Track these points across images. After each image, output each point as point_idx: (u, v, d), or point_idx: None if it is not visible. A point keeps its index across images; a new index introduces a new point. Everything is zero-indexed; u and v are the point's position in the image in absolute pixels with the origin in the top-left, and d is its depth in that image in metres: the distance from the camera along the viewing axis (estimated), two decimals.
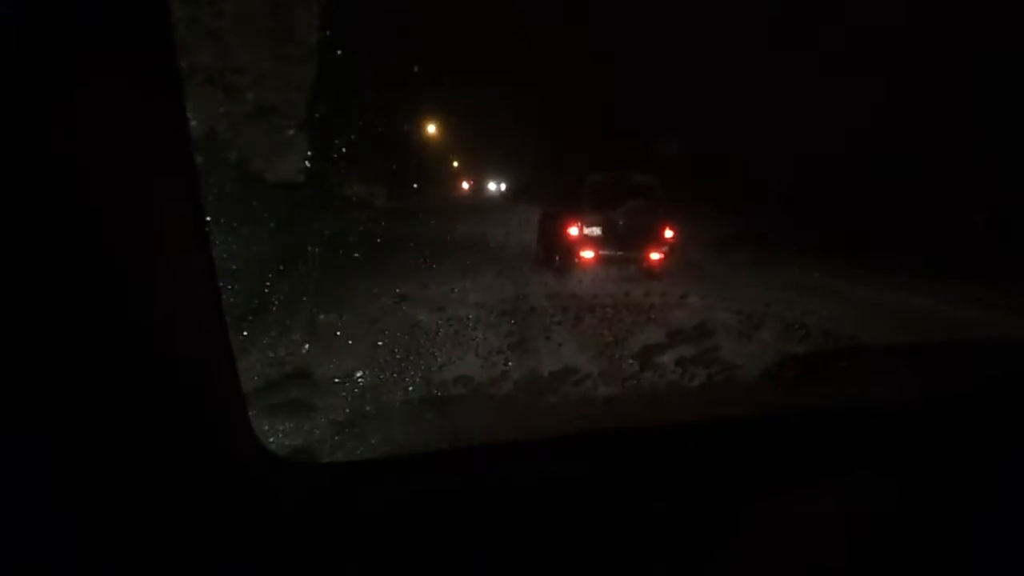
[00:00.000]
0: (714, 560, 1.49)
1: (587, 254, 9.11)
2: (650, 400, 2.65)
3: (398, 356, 3.24)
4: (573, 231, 9.28)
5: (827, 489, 1.66)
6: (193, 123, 1.13)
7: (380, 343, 3.42)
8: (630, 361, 3.17)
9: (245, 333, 1.65)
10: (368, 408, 2.56)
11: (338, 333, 3.58)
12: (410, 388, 2.86)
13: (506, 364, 3.27)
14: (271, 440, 1.42)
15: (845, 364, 2.77)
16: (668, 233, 9.32)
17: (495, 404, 2.47)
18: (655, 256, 9.18)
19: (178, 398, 1.10)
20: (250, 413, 1.34)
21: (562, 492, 1.72)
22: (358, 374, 2.87)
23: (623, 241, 9.25)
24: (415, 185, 14.17)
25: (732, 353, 3.04)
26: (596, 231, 9.34)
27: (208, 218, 1.15)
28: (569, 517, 1.64)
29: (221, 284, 1.20)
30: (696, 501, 1.67)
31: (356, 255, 5.64)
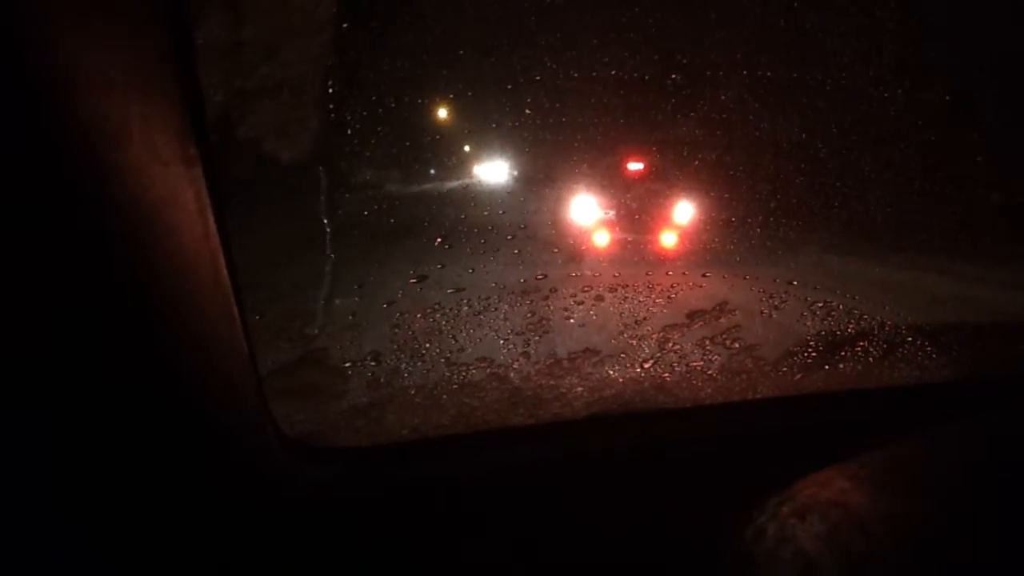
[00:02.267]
0: (732, 542, 1.48)
1: (603, 236, 9.12)
2: (668, 382, 2.63)
3: (414, 338, 3.23)
4: (589, 213, 9.27)
5: (845, 473, 1.65)
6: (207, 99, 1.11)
7: (396, 327, 3.41)
8: (649, 342, 3.14)
9: (258, 316, 1.63)
10: (383, 391, 2.55)
11: (352, 316, 3.58)
12: (426, 371, 2.85)
13: (526, 346, 3.26)
14: (286, 423, 1.42)
15: (867, 344, 2.74)
16: (683, 215, 9.27)
17: (511, 387, 2.46)
18: (670, 239, 9.11)
19: (195, 381, 1.09)
20: (266, 398, 1.33)
21: (578, 475, 1.71)
22: (373, 358, 2.86)
23: (637, 224, 9.23)
24: (432, 170, 14.18)
25: (751, 334, 2.99)
26: (611, 213, 9.33)
27: (222, 203, 1.14)
28: (586, 499, 1.63)
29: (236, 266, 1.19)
30: (715, 485, 1.66)
31: (371, 237, 5.64)
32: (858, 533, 1.44)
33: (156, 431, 1.04)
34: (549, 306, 3.87)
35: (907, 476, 1.60)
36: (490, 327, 3.54)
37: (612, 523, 1.61)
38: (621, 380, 2.59)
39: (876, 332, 2.84)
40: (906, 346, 2.71)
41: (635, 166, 10.19)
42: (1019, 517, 1.38)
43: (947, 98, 9.04)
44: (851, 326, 2.99)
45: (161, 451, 1.06)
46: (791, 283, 4.23)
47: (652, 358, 2.89)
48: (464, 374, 2.64)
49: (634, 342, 3.20)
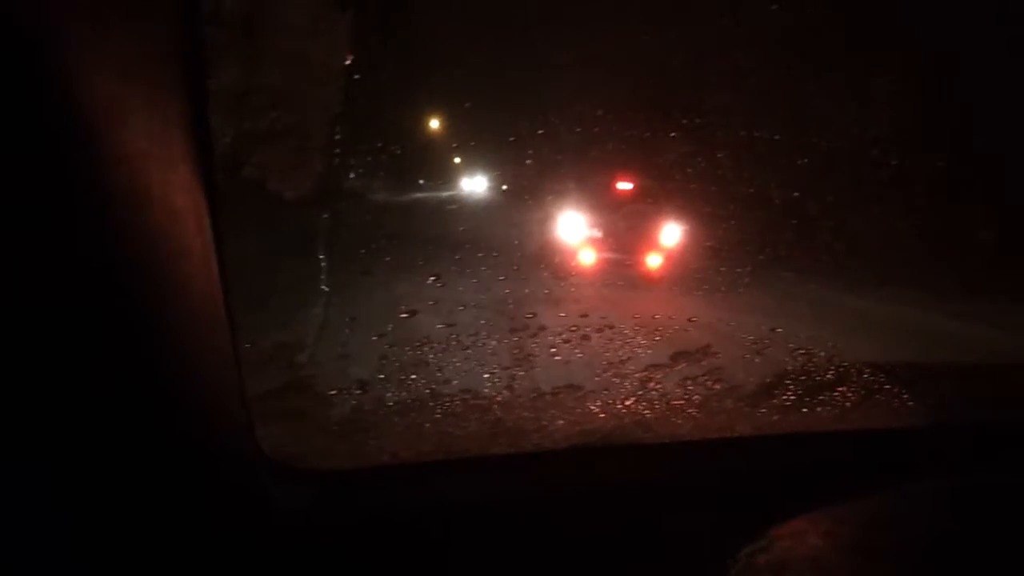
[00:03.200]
0: None
1: (588, 256, 9.20)
2: (649, 419, 2.66)
3: (401, 369, 3.27)
4: (576, 230, 9.34)
5: (824, 512, 1.68)
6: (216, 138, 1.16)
7: (384, 358, 3.45)
8: (632, 379, 3.18)
9: (248, 345, 1.67)
10: (367, 418, 2.58)
11: (341, 347, 3.62)
12: (410, 400, 2.89)
13: (511, 380, 3.30)
14: (270, 446, 1.45)
15: (845, 389, 2.78)
16: (670, 238, 9.41)
17: (493, 418, 2.49)
18: (656, 261, 9.28)
19: (182, 400, 1.12)
20: (251, 421, 1.37)
21: (555, 506, 1.74)
22: (359, 386, 2.90)
23: (624, 245, 9.27)
24: (420, 181, 14.08)
25: (733, 374, 3.04)
26: (596, 233, 9.41)
27: (223, 235, 1.18)
28: (562, 531, 1.66)
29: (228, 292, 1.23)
30: (691, 522, 1.69)
31: (360, 253, 5.75)
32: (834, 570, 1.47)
33: (139, 446, 1.06)
34: (536, 343, 3.91)
35: (881, 537, 1.63)
36: (477, 361, 3.57)
37: (587, 556, 1.63)
38: (602, 415, 2.62)
39: (854, 377, 2.88)
40: (883, 392, 2.75)
41: (624, 186, 10.25)
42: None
43: (938, 163, 9.20)
44: (830, 371, 3.03)
45: (143, 467, 1.07)
46: (775, 329, 4.29)
47: (634, 395, 2.93)
48: (447, 404, 2.67)
49: (617, 380, 3.24)
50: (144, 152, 0.99)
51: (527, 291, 5.26)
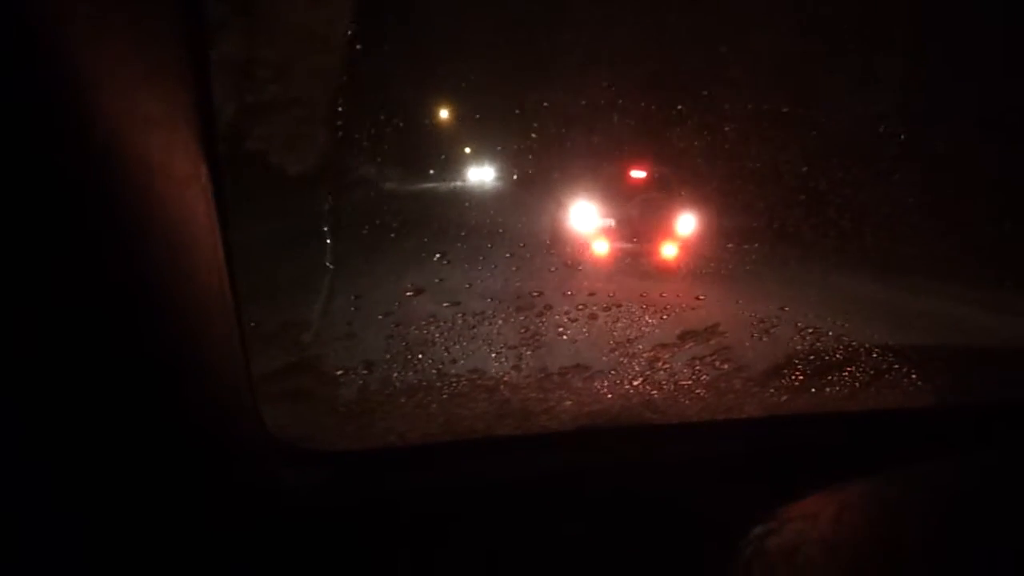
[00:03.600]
0: (716, 560, 1.50)
1: (600, 245, 8.78)
2: (656, 399, 2.66)
3: (407, 349, 3.26)
4: (587, 221, 8.97)
5: (833, 493, 1.67)
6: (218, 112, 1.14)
7: (390, 337, 3.44)
8: (640, 360, 3.17)
9: (253, 323, 1.66)
10: (374, 399, 2.58)
11: (348, 325, 3.60)
12: (418, 381, 2.88)
13: (518, 360, 3.29)
14: (276, 427, 1.44)
15: (854, 369, 2.78)
16: (685, 226, 9.01)
17: (501, 399, 2.49)
18: (670, 250, 8.83)
19: (189, 382, 1.11)
20: (257, 402, 1.36)
21: (562, 487, 1.74)
22: (365, 366, 2.89)
23: (638, 233, 8.90)
24: (431, 171, 14.01)
25: (741, 355, 3.03)
26: (610, 222, 9.03)
27: (227, 211, 1.17)
28: (570, 511, 1.65)
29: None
30: (700, 502, 1.68)
31: (366, 237, 5.70)
32: (842, 554, 1.47)
33: (145, 429, 1.05)
34: (543, 322, 3.90)
35: (890, 519, 1.62)
36: (483, 340, 3.57)
37: (595, 537, 1.63)
38: (610, 396, 2.62)
39: (863, 357, 2.88)
40: (892, 372, 2.75)
41: (637, 174, 9.85)
42: (1006, 565, 1.40)
43: (949, 138, 9.06)
44: (839, 351, 3.02)
45: (149, 450, 1.07)
46: (783, 308, 4.27)
47: (642, 375, 2.92)
48: (455, 385, 2.67)
49: (624, 360, 3.23)
50: (146, 125, 0.97)
51: (539, 281, 5.07)
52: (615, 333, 3.76)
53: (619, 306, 4.17)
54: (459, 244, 5.72)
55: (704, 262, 7.86)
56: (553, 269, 6.21)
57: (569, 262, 7.18)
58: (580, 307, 4.06)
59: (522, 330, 3.77)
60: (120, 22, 0.92)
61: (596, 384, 2.71)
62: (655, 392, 2.75)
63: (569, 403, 2.40)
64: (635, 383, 2.80)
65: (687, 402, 2.67)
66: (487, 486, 1.72)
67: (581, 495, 1.72)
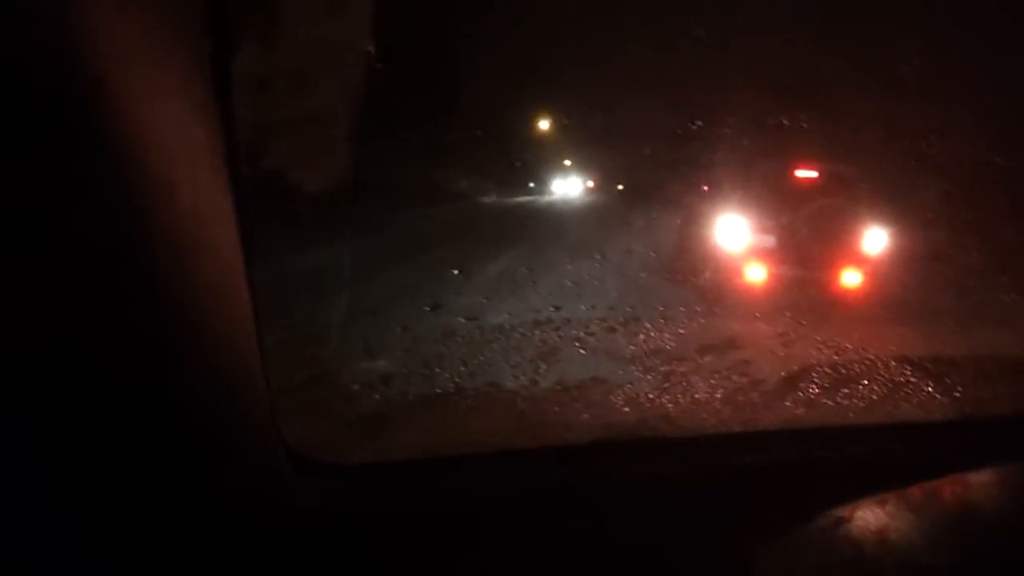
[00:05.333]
0: (733, 573, 1.50)
1: (755, 273, 6.52)
2: (672, 412, 2.65)
3: (425, 363, 3.27)
4: (734, 241, 6.76)
5: (851, 506, 1.67)
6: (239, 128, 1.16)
7: (408, 349, 3.45)
8: (656, 373, 3.17)
9: (271, 337, 1.67)
10: (391, 412, 2.59)
11: (365, 341, 3.61)
12: (435, 394, 2.89)
13: (534, 372, 3.29)
14: (294, 440, 1.46)
15: (870, 382, 2.76)
16: (874, 245, 6.62)
17: (517, 411, 2.50)
18: (853, 279, 6.37)
19: (207, 392, 1.13)
20: (276, 414, 1.37)
21: (579, 500, 1.74)
22: (383, 380, 2.90)
23: (809, 255, 6.45)
24: (530, 183, 13.65)
25: (758, 367, 3.02)
26: (769, 241, 6.72)
27: (248, 227, 1.18)
28: (586, 524, 1.65)
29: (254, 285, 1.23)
30: (717, 513, 1.68)
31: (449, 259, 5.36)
32: (857, 565, 1.47)
33: (163, 439, 1.07)
34: (560, 335, 3.88)
35: (911, 531, 1.62)
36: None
37: (611, 549, 1.63)
38: (626, 409, 2.61)
39: (881, 370, 2.86)
40: (910, 385, 2.73)
41: (806, 175, 7.35)
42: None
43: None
44: (856, 364, 3.01)
45: (167, 460, 1.08)
46: (800, 322, 4.25)
47: (658, 388, 2.92)
48: (471, 398, 2.67)
49: (641, 373, 3.23)
50: (168, 138, 0.99)
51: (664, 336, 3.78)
52: (631, 347, 3.71)
53: (637, 320, 4.05)
54: (558, 275, 5.02)
55: (916, 297, 5.73)
56: (682, 312, 4.51)
57: (708, 298, 5.34)
58: (600, 320, 3.97)
59: (540, 343, 3.75)
60: (141, 34, 0.94)
61: (612, 397, 2.71)
62: (671, 405, 2.74)
63: (586, 416, 2.41)
64: (651, 396, 2.79)
65: (704, 415, 2.67)
66: (503, 499, 1.72)
67: (598, 508, 1.72)
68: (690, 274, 6.06)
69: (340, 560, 1.46)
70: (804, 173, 7.36)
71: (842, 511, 1.64)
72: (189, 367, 1.07)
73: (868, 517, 1.66)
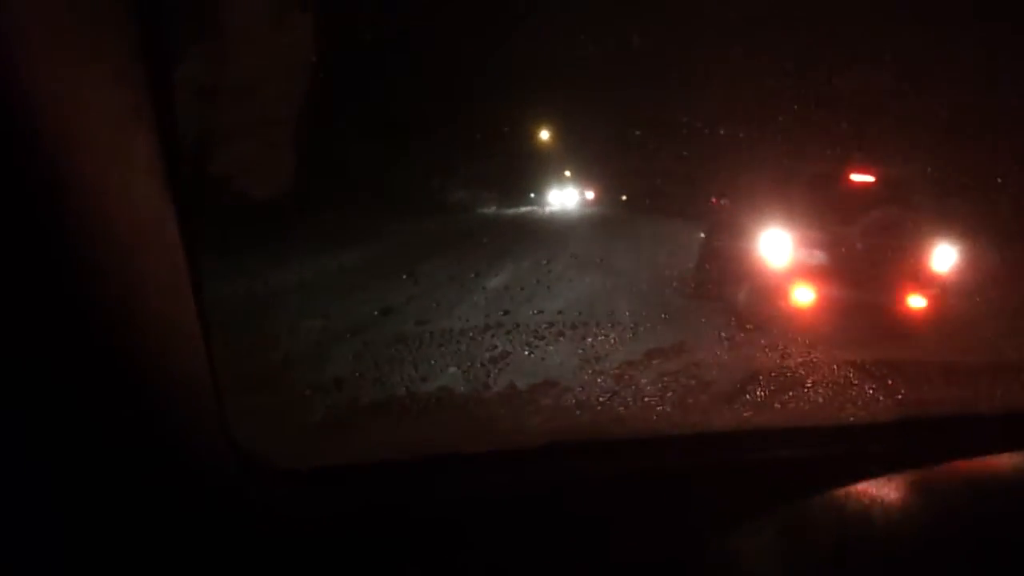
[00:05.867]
0: (685, 572, 1.52)
1: (803, 294, 5.39)
2: (624, 415, 2.68)
3: (376, 367, 3.26)
4: (778, 256, 5.68)
5: (797, 506, 1.70)
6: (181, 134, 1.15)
7: (360, 354, 3.43)
8: (606, 377, 3.20)
9: (221, 342, 1.66)
10: (344, 416, 2.58)
11: (317, 344, 3.59)
12: (386, 398, 2.88)
13: (486, 376, 3.30)
14: (244, 443, 1.44)
15: (816, 384, 2.82)
16: (943, 263, 5.56)
17: (469, 415, 2.50)
18: (919, 302, 5.34)
19: (153, 399, 1.11)
20: (227, 418, 1.36)
21: (531, 503, 1.75)
22: (335, 384, 2.89)
23: (868, 275, 5.36)
24: (531, 194, 13.40)
25: (707, 370, 3.06)
26: (819, 257, 5.64)
27: (193, 233, 1.17)
28: (539, 529, 1.66)
29: (205, 287, 1.23)
30: (668, 514, 1.70)
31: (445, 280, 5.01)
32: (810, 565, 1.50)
33: (113, 444, 1.05)
34: (511, 340, 3.90)
35: (851, 532, 1.66)
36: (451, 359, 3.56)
37: (564, 553, 1.64)
38: (578, 411, 2.63)
39: (824, 372, 2.93)
40: (854, 387, 2.80)
41: (862, 179, 6.26)
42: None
43: None
44: (802, 367, 3.07)
45: (116, 469, 1.07)
46: (746, 327, 4.32)
47: (610, 392, 2.95)
48: (423, 402, 2.67)
49: (592, 376, 3.26)
50: (105, 145, 0.98)
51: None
52: (581, 351, 3.73)
53: (585, 324, 4.05)
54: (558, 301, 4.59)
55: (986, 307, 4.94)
56: (723, 338, 4.12)
57: (749, 327, 4.46)
58: (548, 324, 4.01)
59: (491, 347, 3.76)
60: (75, 41, 0.93)
61: (564, 400, 2.73)
62: (623, 408, 2.77)
63: (538, 419, 2.42)
64: (602, 399, 2.82)
65: (654, 417, 2.70)
66: (456, 503, 1.72)
67: (551, 511, 1.73)
68: (719, 287, 5.47)
69: (291, 564, 1.45)
70: (859, 177, 6.34)
71: (789, 511, 1.68)
72: (133, 370, 1.06)
73: (815, 518, 1.69)
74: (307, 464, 1.80)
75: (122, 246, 1.01)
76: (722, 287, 5.53)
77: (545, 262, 5.69)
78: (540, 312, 4.28)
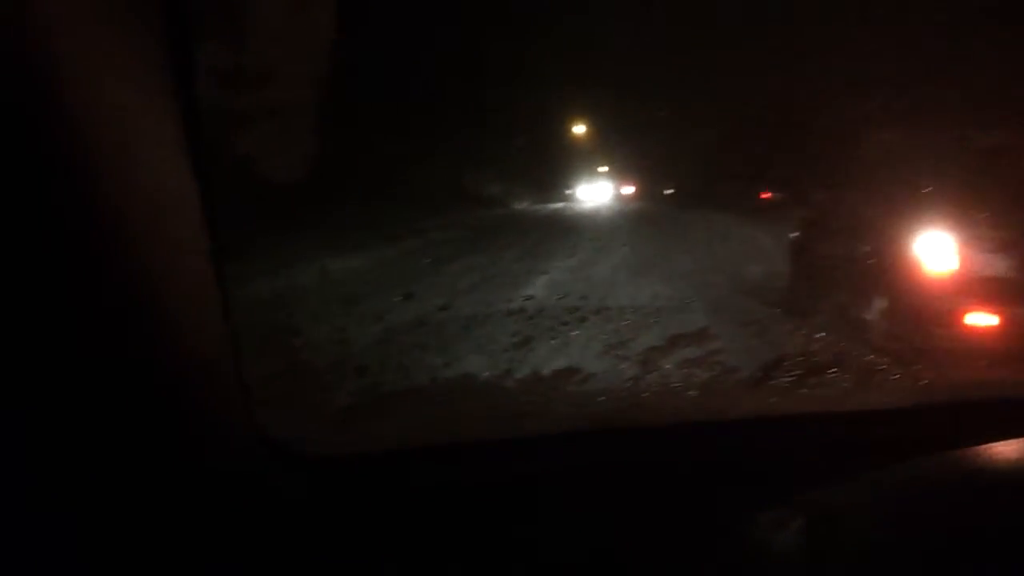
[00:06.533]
0: (709, 563, 1.51)
1: (979, 318, 3.55)
2: (648, 401, 2.67)
3: (401, 353, 3.27)
4: (939, 262, 3.89)
5: (824, 493, 1.69)
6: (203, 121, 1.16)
7: (385, 340, 3.45)
8: (631, 362, 3.18)
9: (245, 327, 1.67)
10: (368, 402, 2.59)
11: (342, 331, 3.60)
12: (409, 385, 2.89)
13: (509, 363, 3.30)
14: (271, 432, 1.45)
15: (840, 370, 2.80)
16: None
17: (493, 402, 2.50)
18: None
19: (177, 387, 1.11)
20: (252, 405, 1.37)
21: (555, 489, 1.74)
22: (359, 371, 2.90)
23: None
24: (566, 191, 12.90)
25: (732, 356, 3.05)
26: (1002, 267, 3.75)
27: (216, 217, 1.18)
28: (563, 514, 1.66)
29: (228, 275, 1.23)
30: (692, 501, 1.69)
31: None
32: (831, 551, 1.48)
33: (136, 434, 1.06)
34: (535, 326, 3.89)
35: (877, 518, 1.64)
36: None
37: (588, 539, 1.64)
38: (602, 397, 2.63)
39: (850, 358, 2.90)
40: (880, 373, 2.77)
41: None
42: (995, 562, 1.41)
43: None
44: (828, 352, 3.04)
45: (140, 458, 1.07)
46: (773, 310, 4.29)
47: (633, 378, 2.94)
48: (449, 389, 2.68)
49: (616, 362, 3.25)
50: (126, 123, 0.98)
51: None
52: (604, 336, 3.71)
53: (608, 309, 4.05)
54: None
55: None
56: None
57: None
58: (572, 309, 3.99)
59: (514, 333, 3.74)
60: (99, 32, 0.93)
61: (587, 386, 2.72)
62: (646, 394, 2.76)
63: (562, 406, 2.42)
64: (627, 385, 2.81)
65: (678, 403, 2.69)
66: (478, 489, 1.72)
67: (574, 497, 1.72)
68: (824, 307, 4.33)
69: (316, 549, 1.46)
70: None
71: (817, 498, 1.66)
72: (156, 357, 1.06)
73: (843, 504, 1.68)
74: (333, 451, 1.80)
75: (147, 234, 1.01)
76: (830, 301, 4.30)
77: (589, 266, 5.08)
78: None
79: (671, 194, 11.72)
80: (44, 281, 0.88)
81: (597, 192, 13.59)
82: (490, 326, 3.92)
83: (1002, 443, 1.86)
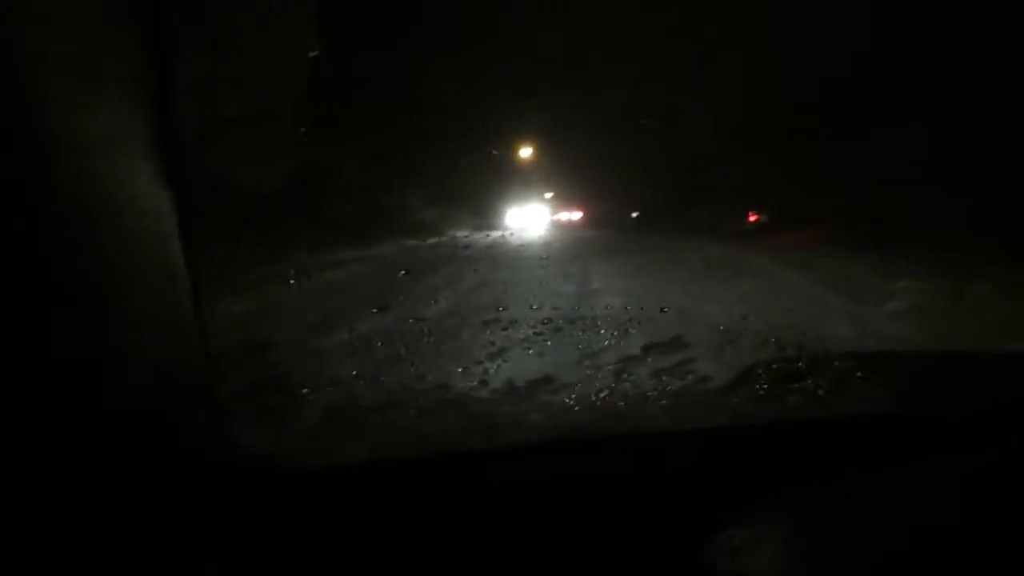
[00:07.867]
0: (685, 570, 1.52)
1: None
2: (623, 411, 2.67)
3: (375, 365, 3.25)
4: None
5: (794, 500, 1.71)
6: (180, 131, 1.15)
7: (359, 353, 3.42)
8: (605, 371, 3.19)
9: (218, 341, 1.66)
10: (343, 416, 2.57)
11: (315, 343, 3.58)
12: (385, 397, 2.87)
13: (484, 374, 3.29)
14: (245, 446, 1.44)
15: (814, 377, 2.81)
16: None
17: (469, 413, 2.50)
18: None
19: (151, 400, 1.11)
20: (226, 419, 1.36)
21: (532, 500, 1.75)
22: (331, 383, 2.88)
23: None
24: (505, 217, 12.00)
25: (705, 364, 3.06)
26: None
27: (190, 227, 1.17)
28: (539, 525, 1.66)
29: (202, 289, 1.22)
30: (668, 509, 1.70)
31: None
32: (805, 557, 1.50)
33: (112, 447, 1.05)
34: (509, 336, 3.88)
35: (852, 524, 1.66)
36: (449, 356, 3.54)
37: (565, 548, 1.64)
38: (577, 408, 2.63)
39: (823, 366, 2.91)
40: (855, 381, 2.79)
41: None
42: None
43: None
44: (801, 360, 3.05)
45: (114, 469, 1.06)
46: (745, 318, 4.31)
47: (608, 388, 2.94)
48: (422, 400, 2.67)
49: (590, 372, 3.25)
50: (108, 139, 0.98)
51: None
52: (579, 346, 3.73)
53: (582, 318, 4.07)
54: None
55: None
56: None
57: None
58: (545, 320, 3.99)
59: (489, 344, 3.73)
60: (78, 38, 0.92)
61: (563, 397, 2.72)
62: (621, 403, 2.76)
63: (537, 416, 2.42)
64: (602, 395, 2.81)
65: (653, 413, 2.69)
66: (456, 500, 1.72)
67: (551, 507, 1.73)
68: None
69: (294, 563, 1.45)
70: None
71: (789, 506, 1.68)
72: (128, 368, 1.06)
73: (815, 511, 1.70)
74: (307, 464, 1.80)
75: (120, 244, 1.01)
76: None
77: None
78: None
79: (636, 217, 11.29)
80: (14, 290, 0.88)
81: (547, 216, 12.59)
82: None
83: (971, 453, 1.89)
